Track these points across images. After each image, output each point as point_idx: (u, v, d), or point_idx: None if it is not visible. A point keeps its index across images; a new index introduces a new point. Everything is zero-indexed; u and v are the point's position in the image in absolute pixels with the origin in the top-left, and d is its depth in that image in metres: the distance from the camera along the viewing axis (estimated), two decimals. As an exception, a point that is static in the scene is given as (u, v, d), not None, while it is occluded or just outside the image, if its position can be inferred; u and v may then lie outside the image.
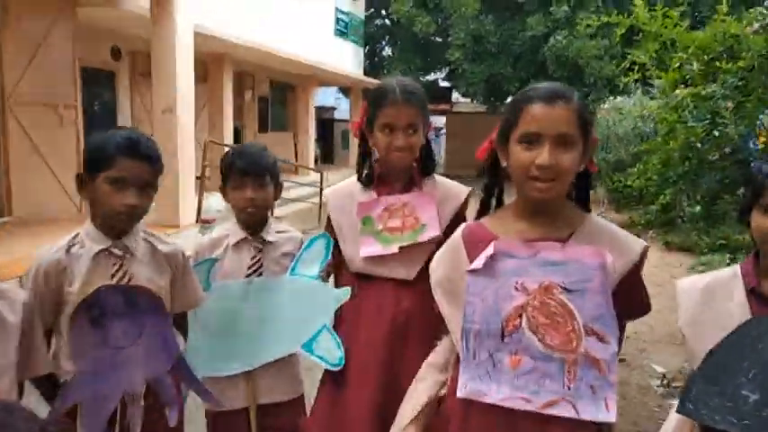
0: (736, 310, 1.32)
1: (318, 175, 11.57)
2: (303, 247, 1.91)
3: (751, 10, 3.41)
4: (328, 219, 1.93)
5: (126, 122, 10.15)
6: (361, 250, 1.82)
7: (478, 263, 1.24)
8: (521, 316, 1.21)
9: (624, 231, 1.30)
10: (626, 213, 10.35)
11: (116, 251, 1.51)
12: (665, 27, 3.22)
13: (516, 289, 1.21)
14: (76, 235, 1.52)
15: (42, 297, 1.45)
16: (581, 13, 13.26)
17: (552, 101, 1.20)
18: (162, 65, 6.63)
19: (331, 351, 1.82)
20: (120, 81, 9.97)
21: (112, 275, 1.49)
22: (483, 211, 1.38)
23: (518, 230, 1.27)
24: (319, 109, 18.62)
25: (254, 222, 1.90)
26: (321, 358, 1.82)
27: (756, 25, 3.19)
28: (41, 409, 1.31)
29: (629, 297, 1.27)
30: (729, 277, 1.38)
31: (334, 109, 22.10)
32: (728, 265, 5.66)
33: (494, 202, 1.40)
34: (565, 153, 1.18)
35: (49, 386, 1.46)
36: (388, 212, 1.85)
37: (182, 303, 1.68)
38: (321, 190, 11.22)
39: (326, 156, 18.08)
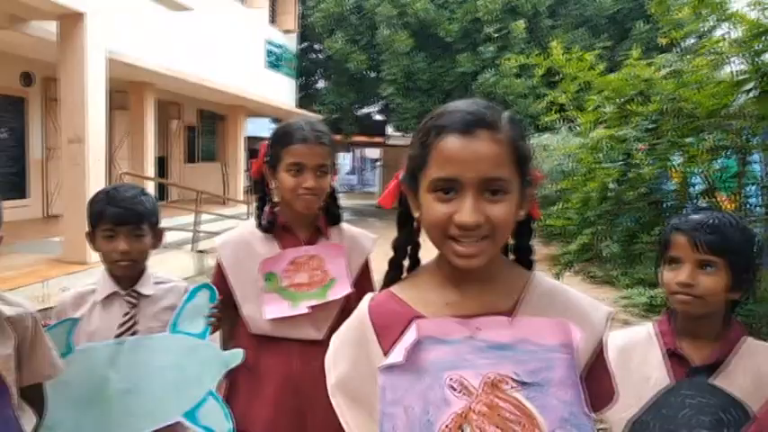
0: (654, 373, 1.25)
1: (246, 206, 11.23)
2: (185, 299, 1.68)
3: (661, 55, 3.52)
4: (217, 272, 1.73)
5: (37, 151, 9.54)
6: (266, 311, 1.65)
7: (397, 355, 0.87)
8: (461, 429, 0.85)
9: (581, 294, 0.99)
10: (554, 248, 10.62)
11: None
12: (581, 70, 3.27)
13: (452, 388, 0.86)
14: None
15: None
16: (506, 53, 13.78)
17: (471, 131, 0.87)
18: (70, 92, 6.22)
19: (219, 423, 1.61)
20: (32, 107, 9.39)
21: None
22: (394, 276, 1.01)
23: (446, 302, 0.93)
24: (251, 139, 18.30)
25: (127, 277, 1.67)
26: (207, 429, 1.60)
27: (665, 71, 3.27)
28: None
29: (596, 384, 0.94)
30: (645, 338, 1.31)
31: (266, 139, 21.78)
32: (651, 298, 5.81)
33: (407, 262, 1.03)
34: (495, 203, 0.86)
35: None
36: (295, 266, 1.68)
37: (33, 375, 1.42)
38: (249, 223, 10.86)
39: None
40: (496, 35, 14.56)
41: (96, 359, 1.60)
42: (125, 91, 10.09)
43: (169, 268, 1.74)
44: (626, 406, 1.18)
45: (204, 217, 9.45)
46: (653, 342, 1.28)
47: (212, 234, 10.20)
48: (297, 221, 1.70)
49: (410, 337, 0.88)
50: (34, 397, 1.46)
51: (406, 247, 1.02)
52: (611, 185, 3.08)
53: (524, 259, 1.01)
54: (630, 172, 3.12)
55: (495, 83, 14.33)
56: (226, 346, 1.78)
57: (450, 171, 0.87)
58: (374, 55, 15.63)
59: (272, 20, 15.28)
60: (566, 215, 3.59)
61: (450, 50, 15.39)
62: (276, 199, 1.74)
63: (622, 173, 3.16)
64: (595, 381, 0.94)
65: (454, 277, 0.94)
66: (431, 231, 0.91)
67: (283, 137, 1.65)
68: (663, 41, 3.35)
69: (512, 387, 0.86)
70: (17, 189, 9.18)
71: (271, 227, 1.70)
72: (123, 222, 1.61)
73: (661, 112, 3.13)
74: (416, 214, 0.96)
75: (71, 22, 6.17)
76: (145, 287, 1.69)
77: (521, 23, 14.19)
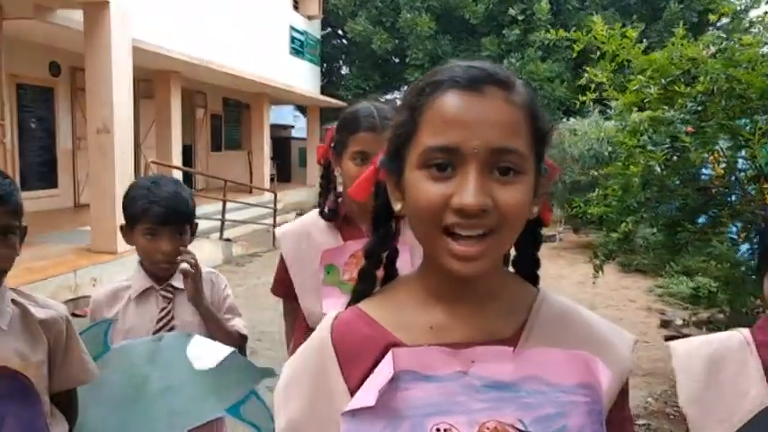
0: (753, 388, 1.09)
1: (273, 195, 11.22)
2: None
3: (707, 33, 3.33)
4: (280, 265, 1.65)
5: (66, 141, 9.65)
6: (324, 304, 1.55)
7: (367, 395, 0.66)
8: None
9: (599, 317, 0.78)
10: (584, 236, 10.39)
11: None
12: (623, 47, 3.10)
13: None
14: None
15: None
16: (531, 36, 13.49)
17: (478, 87, 0.66)
18: (97, 81, 6.22)
19: (263, 420, 1.57)
20: (60, 97, 9.47)
21: None
22: (365, 291, 0.78)
23: (430, 326, 0.72)
24: (276, 127, 18.31)
25: (166, 275, 1.63)
26: (253, 425, 1.57)
27: (713, 49, 3.09)
28: None
29: (618, 430, 0.74)
30: (738, 347, 1.14)
31: (291, 127, 21.83)
32: (695, 290, 5.59)
33: (380, 271, 0.81)
34: (506, 186, 0.65)
35: None
36: (356, 260, 1.57)
37: (66, 381, 1.36)
38: (275, 211, 10.88)
39: (283, 174, 17.75)
40: (521, 17, 14.24)
41: (135, 357, 1.55)
42: (151, 80, 10.13)
43: (197, 257, 1.68)
44: (716, 422, 1.06)
45: (229, 205, 9.45)
46: (748, 352, 1.13)
47: (238, 223, 10.25)
48: (360, 212, 1.57)
49: (384, 371, 0.67)
50: (66, 403, 1.40)
51: (380, 252, 0.79)
52: (657, 169, 2.91)
53: (528, 273, 0.79)
54: (676, 156, 2.97)
55: (521, 67, 14.04)
56: (288, 339, 1.72)
57: (448, 138, 0.65)
58: (398, 39, 15.44)
59: (296, 6, 15.16)
60: (605, 202, 3.44)
61: (475, 34, 15.13)
62: (340, 188, 1.64)
63: (667, 157, 3.01)
64: (618, 427, 0.73)
65: (442, 292, 0.72)
66: (418, 222, 0.68)
67: (350, 123, 1.52)
68: (712, 18, 3.16)
69: None
70: (47, 179, 9.31)
71: (333, 216, 1.59)
72: (167, 222, 1.56)
73: (709, 93, 2.96)
74: (397, 207, 0.74)
75: (96, 10, 6.16)
76: (180, 281, 1.63)
77: (545, 4, 13.83)
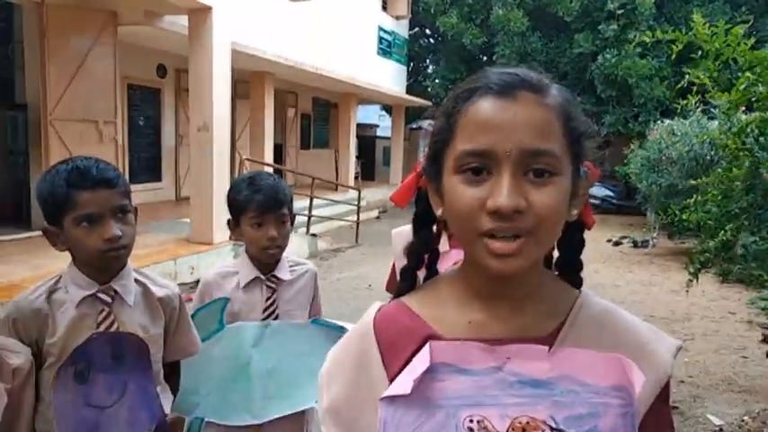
0: None
1: (357, 192, 11.46)
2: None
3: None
4: (393, 264, 1.73)
5: (170, 138, 10.33)
6: None
7: (404, 384, 0.69)
8: None
9: (640, 321, 0.77)
10: (679, 242, 9.81)
11: (103, 296, 1.34)
12: (728, 45, 2.91)
13: (471, 431, 0.68)
14: (59, 279, 1.36)
15: None
16: (630, 32, 12.84)
17: (511, 92, 0.68)
18: (199, 82, 6.64)
19: None
20: (166, 97, 10.16)
21: (99, 324, 1.32)
22: (406, 289, 0.82)
23: (468, 321, 0.74)
24: (362, 126, 18.64)
25: (273, 261, 1.75)
26: None
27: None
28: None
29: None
30: None
31: (376, 126, 22.12)
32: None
33: (422, 271, 0.84)
34: (541, 187, 0.67)
35: None
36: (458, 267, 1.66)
37: (176, 352, 1.51)
38: (359, 208, 11.11)
39: (367, 173, 18.04)
40: (620, 12, 13.60)
41: (243, 338, 1.68)
42: (247, 81, 10.63)
43: (286, 251, 1.80)
44: None
45: (316, 202, 9.76)
46: None
47: (324, 219, 10.56)
48: None
49: (421, 361, 0.69)
50: (172, 374, 1.54)
51: (422, 254, 0.82)
52: (763, 173, 2.72)
53: (571, 276, 0.80)
54: (787, 160, 2.76)
55: (617, 64, 13.42)
56: None
57: (482, 142, 0.67)
58: (488, 36, 15.24)
59: (384, 6, 15.35)
60: (704, 208, 3.26)
61: (568, 30, 14.63)
62: None
63: (776, 161, 2.81)
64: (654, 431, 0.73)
65: (482, 290, 0.74)
66: (457, 226, 0.71)
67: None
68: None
69: None
70: (152, 173, 10.03)
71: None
72: (270, 209, 1.67)
73: (827, 93, 2.73)
74: (438, 212, 0.76)
75: (200, 15, 6.57)
76: (282, 272, 1.76)
77: (648, -2, 13.13)
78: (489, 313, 0.73)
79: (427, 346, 0.71)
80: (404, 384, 0.68)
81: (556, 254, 0.82)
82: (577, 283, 0.80)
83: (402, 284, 0.82)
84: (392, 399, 0.69)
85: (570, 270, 0.81)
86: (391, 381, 0.72)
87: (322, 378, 0.79)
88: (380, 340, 0.75)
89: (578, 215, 0.75)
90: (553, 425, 0.67)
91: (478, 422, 0.67)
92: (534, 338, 0.71)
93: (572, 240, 0.79)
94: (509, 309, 0.73)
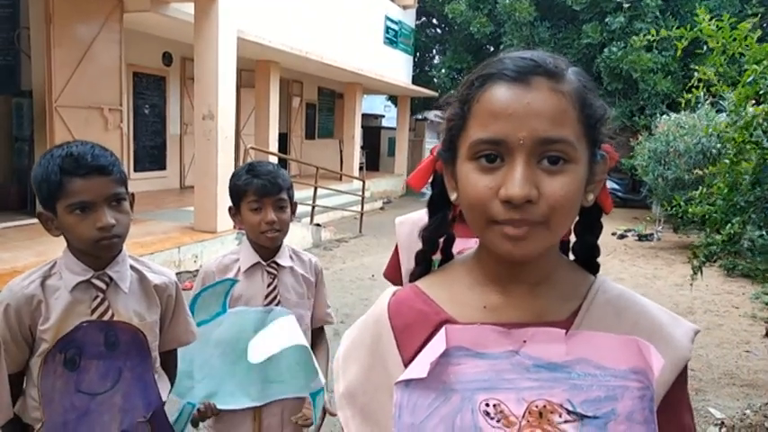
0: None
1: (361, 183, 11.44)
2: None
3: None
4: (394, 253, 1.72)
5: (175, 126, 10.33)
6: None
7: (419, 368, 0.69)
8: None
9: (658, 306, 0.76)
10: (684, 236, 9.77)
11: (98, 282, 1.32)
12: (734, 39, 2.88)
13: (487, 415, 0.67)
14: (53, 265, 1.35)
15: (13, 335, 1.28)
16: (637, 24, 12.73)
17: (525, 79, 0.67)
18: (204, 70, 6.62)
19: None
20: (171, 85, 10.15)
21: (93, 310, 1.31)
22: (422, 273, 0.83)
23: (484, 305, 0.74)
24: (367, 116, 18.58)
25: (274, 246, 1.76)
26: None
27: None
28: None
29: (673, 421, 0.72)
30: None
31: (381, 116, 22.05)
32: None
33: (437, 255, 0.84)
34: (554, 175, 0.66)
35: None
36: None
37: (172, 340, 1.50)
38: (363, 198, 11.10)
39: (372, 163, 18.02)
40: (627, 4, 13.47)
41: (245, 323, 1.70)
42: (252, 70, 10.60)
43: (289, 240, 1.81)
44: None
45: (320, 192, 9.76)
46: None
47: (329, 208, 10.56)
48: None
49: (437, 345, 0.69)
50: (169, 362, 1.54)
51: (437, 238, 0.82)
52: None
53: (588, 261, 0.79)
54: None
55: (622, 57, 13.32)
56: None
57: (495, 130, 0.66)
58: (495, 26, 15.15)
59: (391, -5, 15.26)
60: (709, 200, 3.24)
61: (576, 20, 14.52)
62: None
63: (783, 154, 2.78)
64: (671, 417, 0.71)
65: (497, 274, 0.74)
66: (470, 213, 0.70)
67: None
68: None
69: (564, 420, 0.66)
70: (157, 161, 10.04)
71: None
72: (268, 193, 1.70)
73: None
74: (453, 196, 0.75)
75: (206, 3, 6.54)
76: (283, 258, 1.78)
77: (655, -10, 13.01)
78: (504, 298, 0.73)
79: (443, 329, 0.70)
80: (420, 368, 0.68)
81: (573, 238, 0.81)
82: (594, 268, 0.79)
83: (416, 268, 0.82)
84: (408, 383, 0.69)
85: (587, 255, 0.80)
86: (406, 365, 0.72)
87: (337, 362, 0.79)
88: (395, 325, 0.75)
89: (595, 200, 0.74)
90: (570, 408, 0.66)
91: (494, 406, 0.67)
92: (550, 323, 0.71)
93: (589, 225, 0.79)
94: (524, 293, 0.73)
